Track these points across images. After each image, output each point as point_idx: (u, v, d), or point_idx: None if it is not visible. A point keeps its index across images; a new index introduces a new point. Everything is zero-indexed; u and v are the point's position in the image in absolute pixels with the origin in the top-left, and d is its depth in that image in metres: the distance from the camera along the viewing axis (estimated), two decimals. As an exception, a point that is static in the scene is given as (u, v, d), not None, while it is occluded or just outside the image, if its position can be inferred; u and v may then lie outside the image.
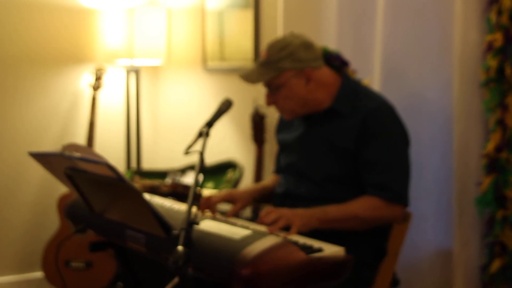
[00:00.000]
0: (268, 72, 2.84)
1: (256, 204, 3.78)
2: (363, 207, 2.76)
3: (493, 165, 3.05)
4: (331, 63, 2.98)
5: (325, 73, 2.92)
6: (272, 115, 4.17)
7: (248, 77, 2.90)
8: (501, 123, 3.02)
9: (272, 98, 2.91)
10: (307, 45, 2.87)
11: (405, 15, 3.42)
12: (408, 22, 3.42)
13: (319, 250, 2.36)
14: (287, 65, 2.82)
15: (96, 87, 4.78)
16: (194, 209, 2.29)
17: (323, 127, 2.91)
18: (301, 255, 2.25)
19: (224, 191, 3.09)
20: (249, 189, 3.14)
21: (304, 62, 2.84)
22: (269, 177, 3.32)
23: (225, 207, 3.06)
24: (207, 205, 2.88)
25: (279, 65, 2.83)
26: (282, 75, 2.84)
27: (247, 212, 4.01)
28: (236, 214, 2.96)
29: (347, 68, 3.07)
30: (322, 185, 2.87)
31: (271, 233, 2.45)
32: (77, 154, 2.43)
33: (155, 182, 4.36)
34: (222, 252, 2.25)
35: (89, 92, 4.86)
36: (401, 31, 3.43)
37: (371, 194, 2.77)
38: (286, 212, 2.62)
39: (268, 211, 2.63)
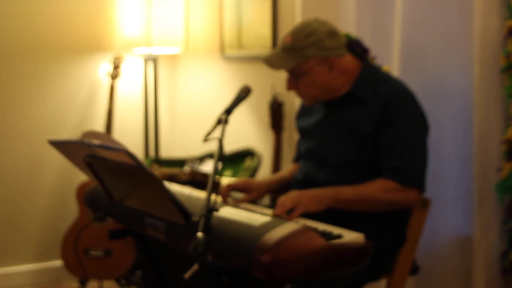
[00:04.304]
0: (293, 59, 2.82)
1: (274, 195, 3.78)
2: (377, 188, 2.75)
3: (513, 151, 3.04)
4: (353, 50, 2.97)
5: (348, 60, 2.91)
6: (290, 103, 4.16)
7: (272, 62, 2.88)
8: (521, 109, 3.01)
9: (294, 83, 2.90)
10: (332, 33, 2.85)
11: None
12: (427, 6, 3.40)
13: (339, 236, 2.36)
14: (312, 53, 2.81)
15: (114, 76, 4.79)
16: (213, 196, 2.29)
17: (343, 112, 2.91)
18: (321, 241, 2.24)
19: (242, 179, 3.09)
20: (265, 181, 3.13)
21: (329, 51, 2.83)
22: (287, 167, 3.32)
23: (240, 195, 3.06)
24: (225, 191, 2.90)
25: (304, 53, 2.81)
26: (306, 63, 2.82)
27: (266, 200, 4.01)
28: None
29: (367, 55, 3.06)
30: (341, 170, 2.86)
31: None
32: (97, 142, 2.44)
33: (173, 170, 4.36)
34: (241, 239, 2.26)
35: (107, 81, 4.87)
36: (420, 16, 3.41)
37: (387, 177, 2.77)
38: (293, 194, 2.62)
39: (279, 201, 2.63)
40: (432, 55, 3.43)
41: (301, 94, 2.94)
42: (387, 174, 2.77)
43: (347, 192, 2.72)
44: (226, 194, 2.90)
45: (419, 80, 3.36)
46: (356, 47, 2.99)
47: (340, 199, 2.69)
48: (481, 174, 3.16)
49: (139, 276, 3.21)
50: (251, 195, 2.99)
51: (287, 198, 2.60)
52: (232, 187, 2.95)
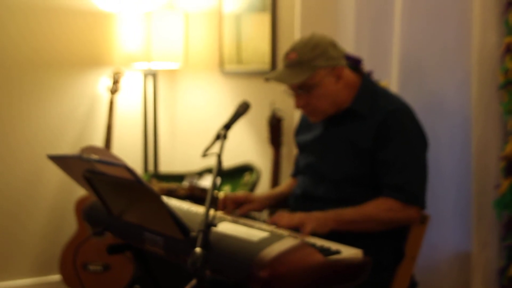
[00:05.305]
0: (302, 72, 2.81)
1: (273, 209, 3.78)
2: (378, 208, 2.76)
3: (511, 167, 3.03)
4: (348, 64, 2.98)
5: (349, 73, 2.92)
6: (289, 118, 4.17)
7: (282, 78, 2.86)
8: (519, 125, 3.01)
9: (303, 99, 2.88)
10: (334, 44, 2.88)
11: (422, 16, 3.41)
12: (425, 23, 3.41)
13: (337, 252, 2.36)
14: (321, 63, 2.81)
15: (113, 91, 4.80)
16: (212, 211, 2.30)
17: (342, 127, 2.91)
18: (319, 257, 2.24)
19: (242, 192, 3.09)
20: (265, 195, 3.15)
21: (335, 60, 2.84)
22: (285, 182, 3.32)
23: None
24: (224, 204, 2.90)
25: (313, 64, 2.81)
26: (316, 74, 2.82)
27: (264, 215, 4.01)
28: (247, 214, 2.96)
29: (362, 66, 3.07)
30: (340, 185, 2.87)
31: (289, 235, 2.45)
32: (96, 157, 2.44)
33: (172, 185, 4.36)
34: (240, 254, 2.25)
35: (106, 96, 4.88)
36: (419, 32, 3.42)
37: (387, 195, 2.77)
38: (299, 215, 2.63)
39: (281, 214, 2.63)
40: (431, 71, 3.44)
41: (311, 109, 2.92)
42: (387, 192, 2.77)
43: (348, 213, 2.72)
44: (232, 206, 2.91)
45: (417, 96, 3.36)
46: (349, 59, 3.01)
47: (343, 221, 2.70)
48: (479, 190, 3.16)
49: (138, 291, 3.21)
50: (251, 205, 2.99)
51: (293, 217, 2.61)
52: (233, 200, 2.95)
